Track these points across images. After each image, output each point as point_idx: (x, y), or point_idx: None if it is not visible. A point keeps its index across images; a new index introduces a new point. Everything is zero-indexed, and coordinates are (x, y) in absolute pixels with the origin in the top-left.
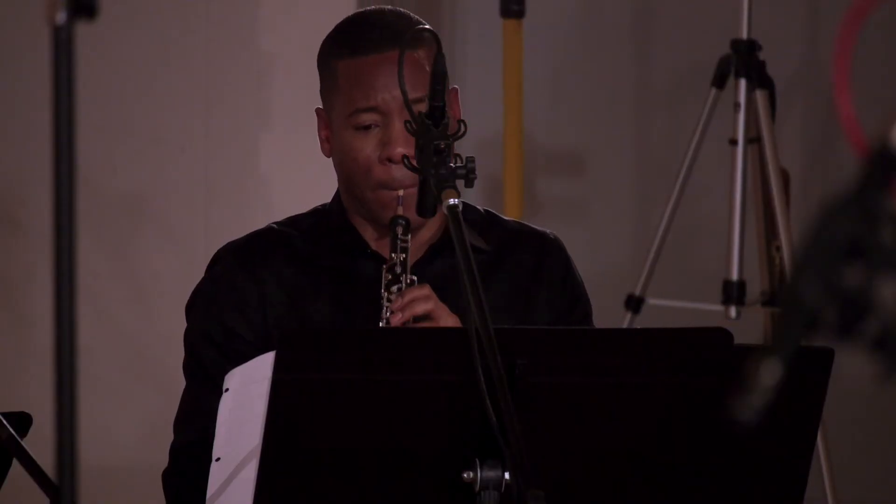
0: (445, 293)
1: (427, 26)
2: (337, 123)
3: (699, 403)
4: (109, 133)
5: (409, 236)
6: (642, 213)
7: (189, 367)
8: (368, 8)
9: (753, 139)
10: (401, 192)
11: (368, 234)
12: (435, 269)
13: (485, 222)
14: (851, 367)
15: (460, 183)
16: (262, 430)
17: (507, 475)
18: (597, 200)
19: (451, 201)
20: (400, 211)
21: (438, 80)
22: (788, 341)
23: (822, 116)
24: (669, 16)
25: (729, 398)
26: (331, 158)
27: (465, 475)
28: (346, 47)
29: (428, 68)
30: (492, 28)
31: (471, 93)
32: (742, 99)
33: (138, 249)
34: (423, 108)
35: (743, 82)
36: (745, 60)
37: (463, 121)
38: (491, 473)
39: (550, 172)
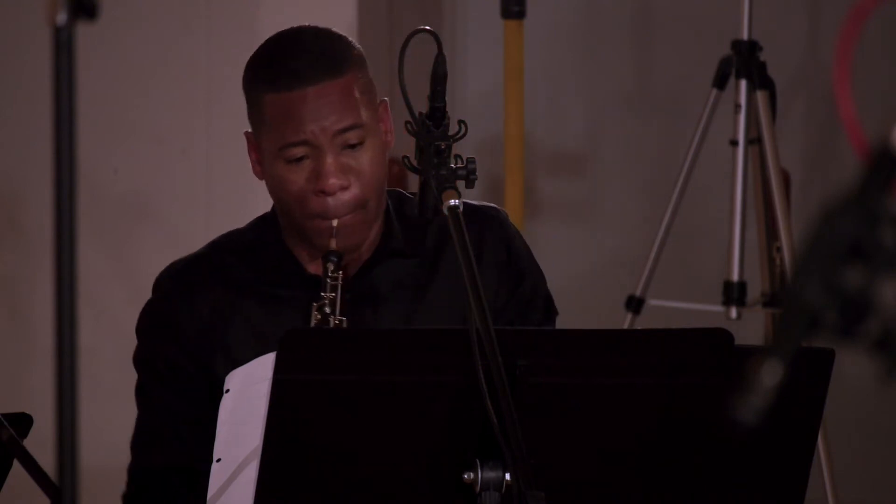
0: (389, 299)
1: (427, 27)
2: (268, 154)
3: (700, 404)
4: (110, 133)
5: (341, 273)
6: (642, 213)
7: (140, 392)
8: (290, 29)
9: (754, 140)
10: (335, 223)
11: (304, 255)
12: (377, 275)
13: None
14: (852, 367)
15: (461, 184)
16: (263, 431)
17: (507, 476)
18: (597, 201)
19: (452, 202)
20: (333, 244)
21: (439, 80)
22: (789, 342)
23: (823, 117)
24: (669, 16)
25: (730, 399)
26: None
27: (466, 476)
28: (269, 82)
29: (357, 92)
30: (492, 28)
31: (471, 93)
32: (743, 100)
33: (138, 249)
34: (352, 136)
35: (743, 83)
36: (745, 61)
37: (463, 121)
38: (492, 474)
39: (551, 172)
